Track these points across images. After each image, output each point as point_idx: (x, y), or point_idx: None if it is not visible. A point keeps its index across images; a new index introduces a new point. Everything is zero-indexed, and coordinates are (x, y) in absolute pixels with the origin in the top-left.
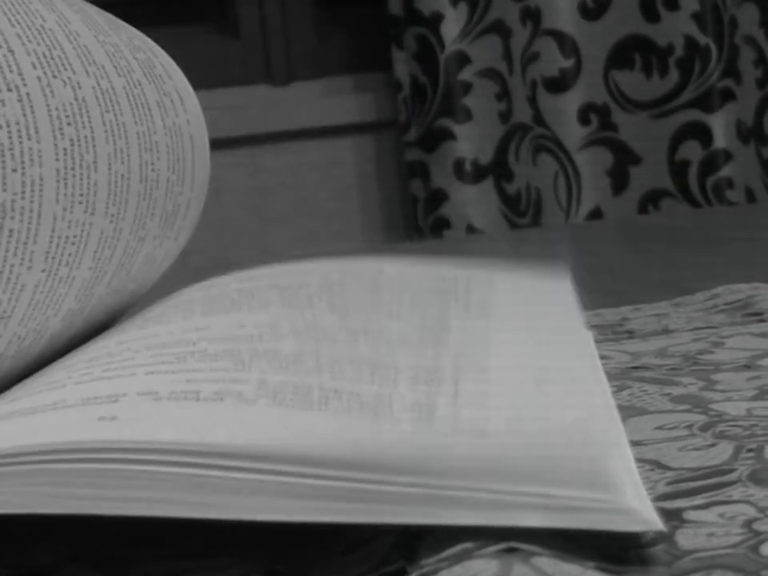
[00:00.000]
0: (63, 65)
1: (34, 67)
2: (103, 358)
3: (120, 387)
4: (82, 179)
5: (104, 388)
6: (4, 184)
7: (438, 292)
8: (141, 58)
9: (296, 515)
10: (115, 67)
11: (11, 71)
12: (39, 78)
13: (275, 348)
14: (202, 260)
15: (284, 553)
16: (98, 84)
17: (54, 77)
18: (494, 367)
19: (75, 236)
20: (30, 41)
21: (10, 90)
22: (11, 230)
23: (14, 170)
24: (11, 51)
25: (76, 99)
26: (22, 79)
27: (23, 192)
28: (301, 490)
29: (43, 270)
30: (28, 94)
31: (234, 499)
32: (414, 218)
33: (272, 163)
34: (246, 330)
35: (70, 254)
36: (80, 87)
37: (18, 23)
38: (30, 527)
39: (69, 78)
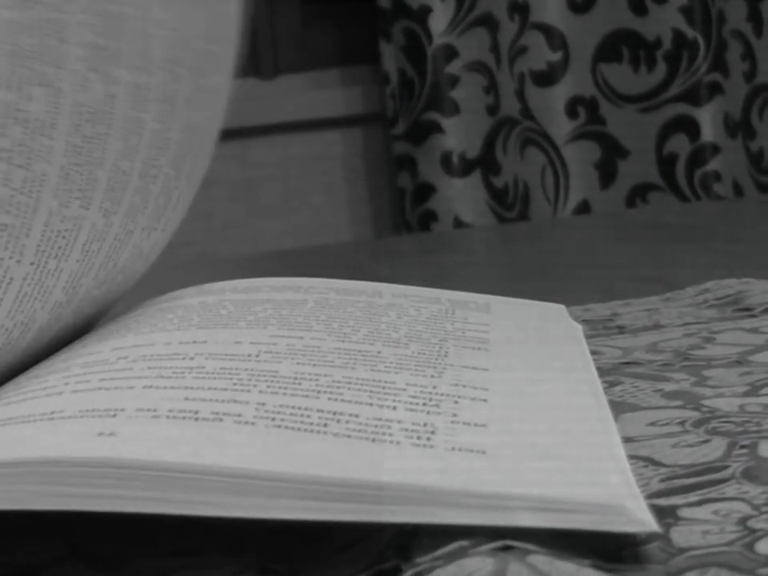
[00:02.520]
0: (112, 57)
1: (78, 60)
2: (99, 365)
3: (118, 401)
4: (82, 175)
5: (102, 400)
6: (6, 179)
7: (435, 316)
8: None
9: (290, 514)
10: (166, 60)
11: (51, 64)
12: (75, 71)
13: (274, 369)
14: (189, 253)
15: (278, 551)
16: (136, 80)
17: (93, 70)
18: (492, 390)
19: (67, 230)
20: (88, 29)
21: (41, 85)
22: (5, 225)
23: (20, 166)
24: (64, 41)
25: (106, 95)
26: (58, 72)
27: (23, 188)
28: (296, 491)
29: (32, 263)
30: (59, 89)
31: (227, 498)
32: (402, 212)
33: (259, 156)
34: (244, 348)
35: (59, 247)
36: (116, 83)
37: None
38: (24, 525)
39: (109, 72)
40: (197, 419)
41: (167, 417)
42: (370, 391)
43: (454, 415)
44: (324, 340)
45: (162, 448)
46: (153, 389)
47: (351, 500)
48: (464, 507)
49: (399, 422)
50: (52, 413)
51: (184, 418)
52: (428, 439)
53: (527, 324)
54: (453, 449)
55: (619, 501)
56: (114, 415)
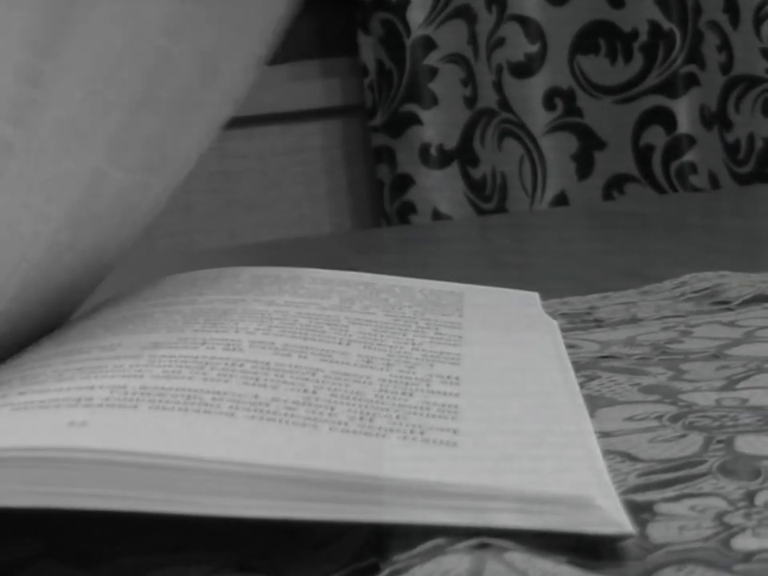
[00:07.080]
0: None
1: None
2: (75, 355)
3: (91, 391)
4: None
5: (74, 391)
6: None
7: (406, 307)
8: None
9: (269, 512)
10: None
11: None
12: None
13: (251, 359)
14: (167, 245)
15: (256, 548)
16: None
17: None
18: (464, 387)
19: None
20: None
21: None
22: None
23: None
24: None
25: None
26: None
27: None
28: (273, 489)
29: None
30: None
31: (206, 497)
32: (381, 203)
33: (239, 148)
34: (224, 337)
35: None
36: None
37: None
38: (2, 523)
39: None
40: (174, 409)
41: (144, 407)
42: (338, 385)
43: (427, 410)
44: (294, 337)
45: (139, 438)
46: (129, 378)
47: (330, 500)
48: (441, 508)
49: (371, 419)
50: (25, 402)
51: (163, 408)
52: (399, 430)
53: (501, 317)
54: (423, 441)
55: (593, 502)
56: (87, 405)
